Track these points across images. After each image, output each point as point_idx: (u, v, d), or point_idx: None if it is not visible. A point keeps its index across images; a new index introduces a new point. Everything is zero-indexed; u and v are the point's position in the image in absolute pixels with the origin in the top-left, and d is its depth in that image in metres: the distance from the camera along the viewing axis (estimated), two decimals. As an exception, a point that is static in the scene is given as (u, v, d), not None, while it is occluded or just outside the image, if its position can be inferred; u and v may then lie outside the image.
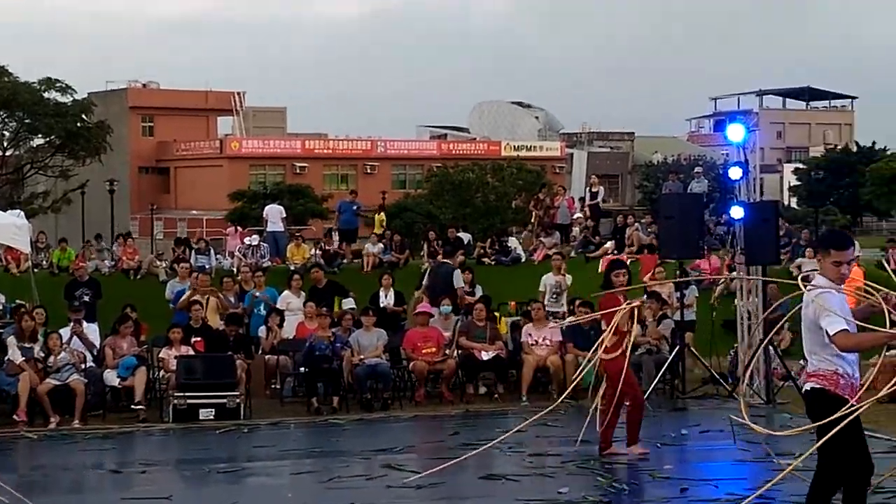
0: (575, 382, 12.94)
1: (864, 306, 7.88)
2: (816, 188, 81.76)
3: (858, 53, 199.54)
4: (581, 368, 12.55)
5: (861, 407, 7.46)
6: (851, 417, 7.39)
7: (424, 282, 20.41)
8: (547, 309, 19.06)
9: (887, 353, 16.76)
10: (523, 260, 26.35)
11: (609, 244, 26.76)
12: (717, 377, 16.92)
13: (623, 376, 11.74)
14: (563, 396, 12.22)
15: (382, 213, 34.02)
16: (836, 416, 7.38)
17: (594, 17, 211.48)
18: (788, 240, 24.61)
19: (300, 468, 12.22)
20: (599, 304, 12.68)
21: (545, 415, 12.32)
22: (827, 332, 7.44)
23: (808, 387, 7.78)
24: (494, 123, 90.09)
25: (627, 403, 12.23)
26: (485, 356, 17.17)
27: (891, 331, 7.52)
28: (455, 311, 18.78)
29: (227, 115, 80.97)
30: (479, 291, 20.50)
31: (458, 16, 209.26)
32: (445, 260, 20.78)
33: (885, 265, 16.81)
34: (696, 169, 33.59)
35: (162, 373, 16.59)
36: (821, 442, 7.42)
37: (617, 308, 11.76)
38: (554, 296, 20.04)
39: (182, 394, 15.63)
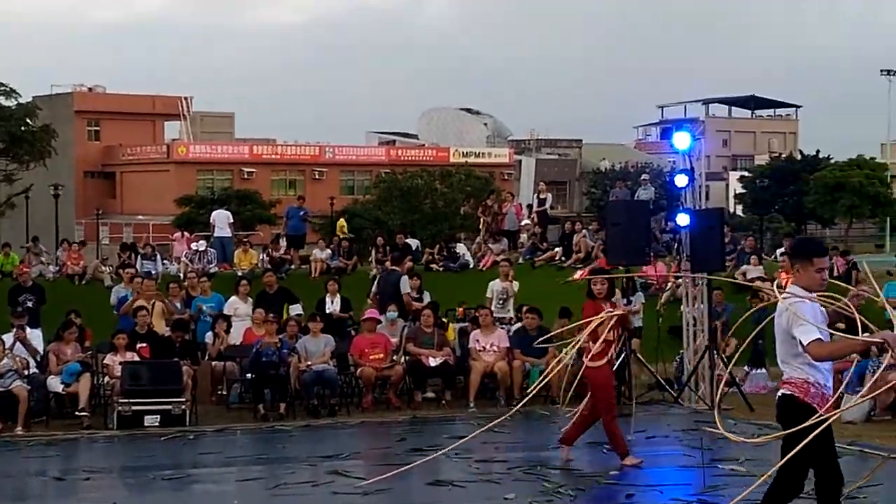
0: (538, 387, 12.70)
1: (832, 311, 7.93)
2: (761, 196, 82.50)
3: (802, 63, 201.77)
4: (544, 377, 12.30)
5: (830, 417, 7.47)
6: (822, 427, 7.40)
7: (373, 288, 20.42)
8: (494, 315, 19.10)
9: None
10: (471, 266, 26.41)
11: (556, 250, 26.90)
12: (663, 383, 17.05)
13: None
14: (521, 403, 12.30)
15: (343, 219, 34.01)
16: (803, 425, 7.38)
17: (542, 25, 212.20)
18: (734, 247, 24.85)
19: (246, 475, 12.16)
20: (582, 312, 12.40)
21: (505, 419, 12.42)
22: (801, 341, 7.43)
23: (779, 393, 7.82)
24: (443, 130, 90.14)
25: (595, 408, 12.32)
26: (432, 362, 17.19)
27: (863, 338, 7.54)
28: (403, 317, 18.80)
29: (175, 119, 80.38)
30: (426, 297, 20.52)
31: (404, 22, 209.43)
32: (394, 267, 20.78)
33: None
34: (643, 176, 33.86)
35: (107, 379, 16.44)
36: (796, 450, 7.41)
37: (596, 317, 11.76)
38: (501, 302, 20.09)
39: (127, 400, 15.50)
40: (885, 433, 13.70)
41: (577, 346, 11.84)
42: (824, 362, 7.62)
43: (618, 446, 12.10)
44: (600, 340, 11.54)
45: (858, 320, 7.79)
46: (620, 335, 12.43)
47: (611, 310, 11.93)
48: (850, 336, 7.67)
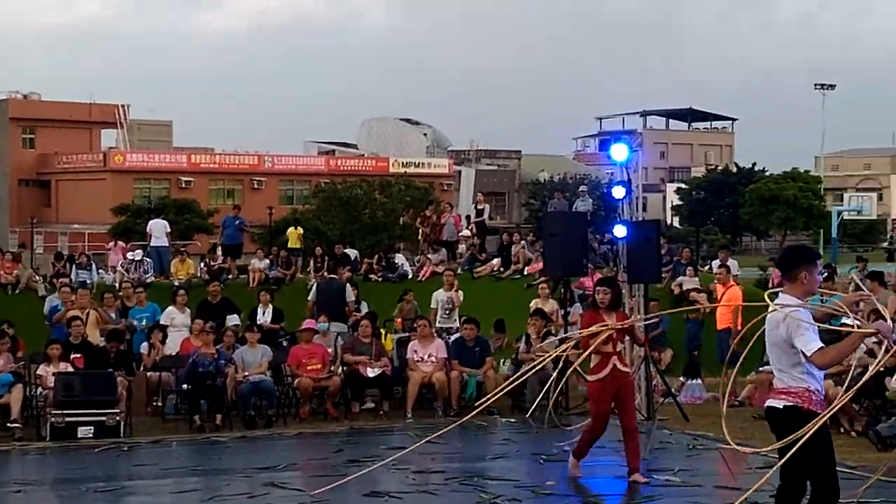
0: (492, 399, 12.37)
1: (820, 314, 7.91)
2: (698, 208, 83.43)
3: (738, 76, 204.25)
4: (503, 388, 11.96)
5: (821, 418, 7.53)
6: (809, 435, 7.46)
7: (311, 298, 20.35)
8: (438, 325, 19.16)
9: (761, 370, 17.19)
10: (410, 276, 26.41)
11: (495, 261, 26.99)
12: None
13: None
14: (486, 403, 12.10)
15: (299, 228, 33.80)
16: (804, 431, 7.44)
17: (481, 36, 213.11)
18: (670, 258, 25.05)
19: (182, 487, 12.04)
20: (583, 323, 12.17)
21: (478, 427, 12.35)
22: (804, 352, 7.47)
23: (778, 404, 7.75)
24: (383, 140, 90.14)
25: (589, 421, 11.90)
26: (370, 373, 17.15)
27: (860, 330, 7.62)
28: (348, 325, 18.74)
29: (111, 127, 79.65)
30: (364, 307, 20.50)
31: (344, 31, 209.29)
32: (332, 276, 20.75)
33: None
34: (582, 188, 34.08)
35: (39, 390, 16.22)
36: (803, 453, 7.48)
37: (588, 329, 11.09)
38: (446, 312, 20.11)
39: (60, 411, 15.31)
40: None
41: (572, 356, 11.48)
42: (828, 368, 7.72)
43: (580, 448, 11.81)
44: (589, 351, 10.86)
45: (854, 318, 7.89)
46: (616, 348, 11.37)
47: (604, 323, 11.04)
48: (848, 328, 7.76)
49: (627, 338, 12.16)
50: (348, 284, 20.84)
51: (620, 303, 12.08)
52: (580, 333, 11.32)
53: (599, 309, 11.45)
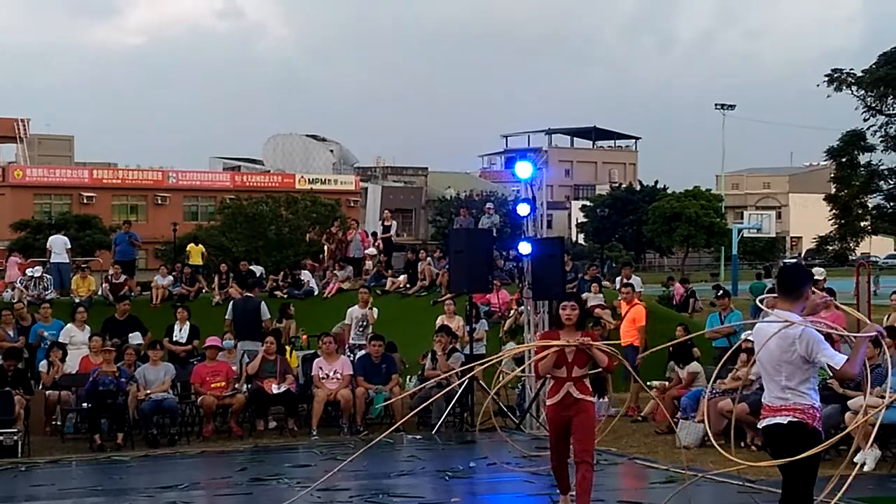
0: (406, 418, 12.56)
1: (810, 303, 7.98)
2: (602, 225, 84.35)
3: (640, 96, 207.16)
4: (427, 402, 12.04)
5: (829, 442, 7.71)
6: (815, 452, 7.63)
7: (228, 316, 20.15)
8: (352, 342, 19.09)
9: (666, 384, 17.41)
10: (316, 293, 26.29)
11: (401, 278, 26.98)
12: (506, 410, 17.20)
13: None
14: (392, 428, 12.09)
15: (200, 244, 33.41)
16: (817, 449, 7.58)
17: (387, 54, 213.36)
18: (574, 275, 25.26)
19: (81, 507, 11.82)
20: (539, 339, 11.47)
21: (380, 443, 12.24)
22: (831, 367, 7.55)
23: (782, 420, 7.73)
24: (289, 156, 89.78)
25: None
26: (275, 389, 16.99)
27: (863, 335, 7.69)
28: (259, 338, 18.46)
29: (11, 142, 78.23)
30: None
31: (246, 47, 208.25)
32: (248, 293, 20.53)
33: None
34: (488, 205, 34.22)
35: (-66, 410, 15.82)
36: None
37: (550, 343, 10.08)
38: (360, 329, 20.04)
39: (-45, 431, 14.94)
40: (719, 457, 14.03)
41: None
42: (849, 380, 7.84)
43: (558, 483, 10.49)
44: (519, 367, 10.58)
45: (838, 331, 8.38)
46: (589, 371, 10.19)
47: (552, 341, 10.05)
48: (854, 334, 7.85)
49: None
50: (262, 303, 20.68)
51: (586, 322, 10.59)
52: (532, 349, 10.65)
53: (563, 328, 10.11)
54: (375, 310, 20.64)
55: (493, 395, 17.00)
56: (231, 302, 21.00)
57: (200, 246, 32.87)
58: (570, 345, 9.90)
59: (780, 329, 7.67)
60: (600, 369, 10.29)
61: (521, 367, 11.20)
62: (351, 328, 19.89)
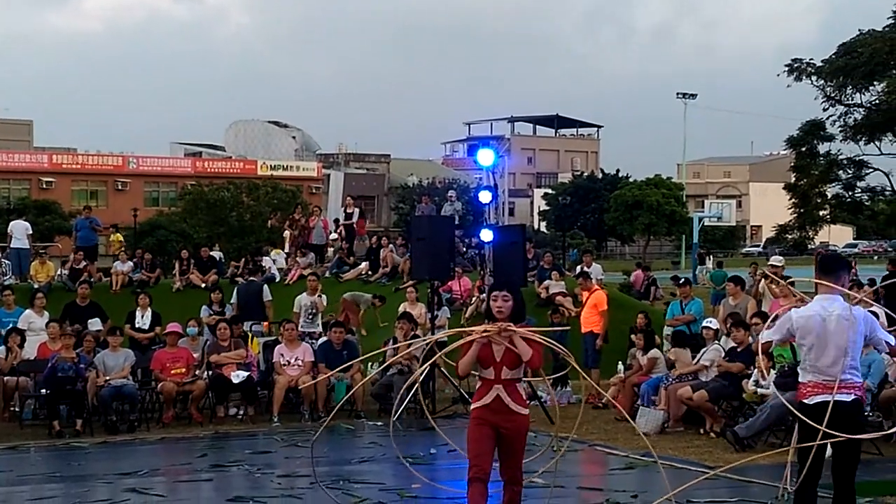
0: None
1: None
2: (564, 213, 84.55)
3: (601, 85, 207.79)
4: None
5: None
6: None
7: (233, 300, 20.94)
8: (302, 329, 19.01)
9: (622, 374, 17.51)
10: (277, 279, 26.22)
11: (363, 265, 26.95)
12: (466, 397, 17.21)
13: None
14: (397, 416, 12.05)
15: (118, 234, 33.21)
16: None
17: (349, 40, 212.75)
18: (536, 262, 25.32)
19: (40, 494, 11.75)
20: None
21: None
22: (889, 342, 8.37)
23: (846, 398, 8.14)
24: (251, 142, 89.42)
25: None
26: (235, 379, 16.90)
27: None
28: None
29: (-32, 126, 77.48)
30: (229, 311, 20.31)
31: (206, 33, 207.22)
32: (251, 278, 20.95)
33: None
34: (450, 192, 34.18)
35: None
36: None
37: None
38: (310, 316, 20.00)
39: (-88, 418, 14.81)
40: (678, 444, 14.17)
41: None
42: None
43: None
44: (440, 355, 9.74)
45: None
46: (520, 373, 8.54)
47: (470, 328, 8.87)
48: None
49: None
50: (265, 285, 21.48)
51: (524, 315, 8.72)
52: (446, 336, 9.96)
53: (498, 320, 8.42)
54: (324, 297, 20.58)
55: (454, 383, 17.09)
56: (235, 287, 22.07)
57: (119, 235, 32.87)
58: (487, 332, 8.30)
59: (832, 310, 8.17)
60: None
61: (424, 367, 10.09)
62: (300, 316, 19.83)
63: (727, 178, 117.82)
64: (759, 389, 14.20)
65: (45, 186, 71.47)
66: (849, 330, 8.11)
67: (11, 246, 26.86)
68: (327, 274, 26.27)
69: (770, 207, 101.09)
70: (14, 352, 17.38)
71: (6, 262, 25.45)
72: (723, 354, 15.36)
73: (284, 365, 17.09)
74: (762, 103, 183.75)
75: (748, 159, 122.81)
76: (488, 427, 8.45)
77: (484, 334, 8.35)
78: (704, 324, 16.47)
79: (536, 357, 8.37)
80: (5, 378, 17.11)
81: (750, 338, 15.16)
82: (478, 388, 8.57)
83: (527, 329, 8.46)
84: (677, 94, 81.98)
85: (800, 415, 8.17)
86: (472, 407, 8.57)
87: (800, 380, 8.41)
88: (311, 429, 15.45)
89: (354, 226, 29.34)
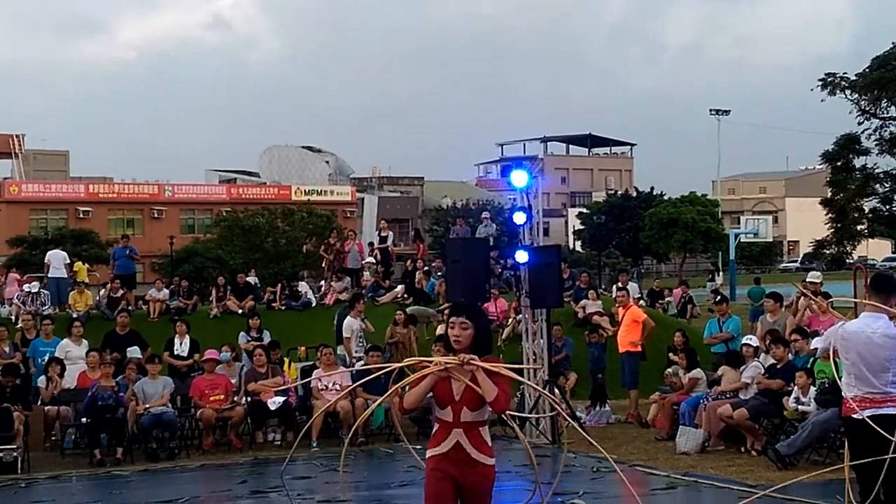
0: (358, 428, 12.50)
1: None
2: (599, 232, 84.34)
3: (633, 103, 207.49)
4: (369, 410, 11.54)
5: None
6: None
7: (335, 323, 20.95)
8: (356, 354, 19.05)
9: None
10: (314, 304, 26.27)
11: (399, 288, 26.95)
12: (505, 418, 17.15)
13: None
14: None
15: (83, 263, 33.37)
16: None
17: (381, 64, 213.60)
18: (572, 282, 25.26)
19: (81, 523, 11.81)
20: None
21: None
22: None
23: (892, 411, 8.38)
24: (285, 168, 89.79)
25: None
26: (272, 405, 16.91)
27: None
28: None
29: (6, 158, 78.17)
30: (267, 336, 20.35)
31: (238, 60, 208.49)
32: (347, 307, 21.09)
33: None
34: (484, 213, 34.21)
35: (-67, 427, 15.79)
36: None
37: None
38: (360, 340, 19.97)
39: (-45, 449, 14.91)
40: (719, 463, 14.06)
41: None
42: None
43: None
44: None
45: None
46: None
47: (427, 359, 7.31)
48: None
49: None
50: (350, 317, 20.71)
51: (489, 346, 7.29)
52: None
53: (456, 351, 7.12)
54: (367, 322, 20.59)
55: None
56: (337, 313, 21.85)
57: (85, 265, 32.84)
58: (448, 362, 6.97)
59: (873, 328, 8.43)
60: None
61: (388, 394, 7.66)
62: (352, 341, 19.81)
63: (763, 194, 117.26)
64: (799, 406, 14.07)
65: (81, 216, 72.04)
66: (893, 348, 8.42)
67: (50, 276, 27.05)
68: (364, 300, 26.26)
69: (807, 222, 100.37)
70: (54, 381, 17.48)
71: (45, 292, 25.62)
72: (762, 371, 15.24)
73: (322, 389, 17.10)
74: (796, 118, 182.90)
75: (784, 174, 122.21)
76: (447, 480, 7.04)
77: (443, 366, 6.99)
78: (744, 341, 16.34)
79: (502, 398, 6.90)
80: (46, 408, 17.20)
81: (790, 354, 15.04)
82: (434, 431, 7.16)
83: (494, 363, 7.03)
84: (710, 110, 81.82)
85: (880, 429, 8.29)
86: (428, 454, 7.12)
87: (844, 395, 8.60)
88: (350, 453, 15.43)
89: (389, 249, 29.38)
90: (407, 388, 7.24)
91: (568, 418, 10.12)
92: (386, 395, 8.22)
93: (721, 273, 60.38)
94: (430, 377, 7.01)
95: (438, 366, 6.98)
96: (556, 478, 10.53)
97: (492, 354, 7.31)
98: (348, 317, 20.36)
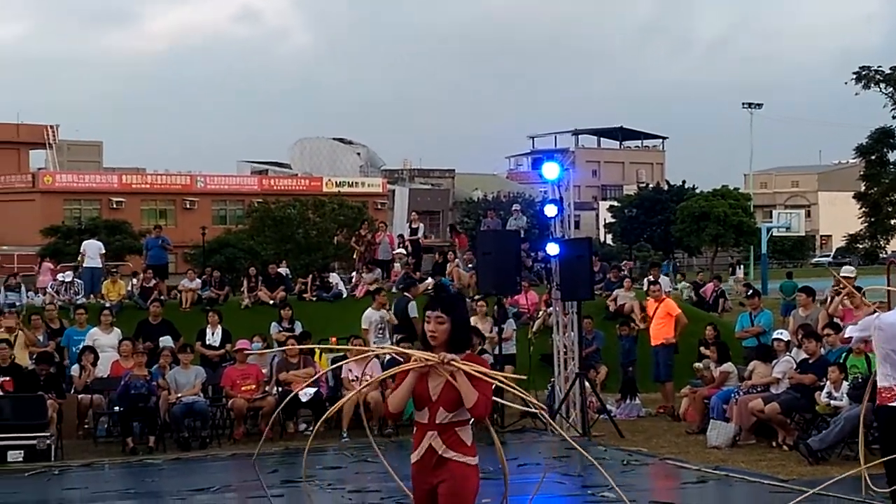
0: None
1: None
2: (630, 225, 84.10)
3: (665, 97, 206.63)
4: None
5: None
6: None
7: (392, 313, 20.81)
8: (374, 345, 19.08)
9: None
10: (345, 296, 26.33)
11: (429, 280, 26.96)
12: (535, 410, 17.16)
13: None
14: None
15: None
16: None
17: (412, 56, 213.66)
18: (603, 275, 25.20)
19: (114, 510, 11.90)
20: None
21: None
22: None
23: None
24: (316, 159, 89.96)
25: None
26: (303, 397, 16.98)
27: None
28: (412, 339, 18.47)
29: (40, 148, 78.74)
30: (298, 327, 20.41)
31: (268, 52, 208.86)
32: (405, 293, 21.11)
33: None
34: (515, 206, 34.17)
35: (-32, 414, 15.95)
36: None
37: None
38: (380, 332, 20.03)
39: (-11, 435, 15.06)
40: (750, 457, 14.02)
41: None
42: None
43: None
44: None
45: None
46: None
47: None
48: None
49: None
50: (412, 301, 21.15)
51: (469, 341, 6.95)
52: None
53: (433, 347, 6.66)
54: (390, 312, 20.64)
55: (523, 396, 17.03)
56: (394, 302, 21.71)
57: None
58: (427, 358, 6.52)
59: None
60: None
61: (370, 383, 7.04)
62: (370, 332, 19.87)
63: (795, 188, 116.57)
64: (832, 401, 14.01)
65: (115, 206, 72.45)
66: None
67: (85, 265, 27.21)
68: (394, 289, 26.31)
69: (840, 217, 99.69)
70: (88, 370, 17.62)
71: (79, 281, 25.79)
72: (794, 366, 15.17)
73: (353, 380, 17.15)
74: (829, 111, 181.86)
75: (816, 168, 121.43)
76: (424, 493, 6.68)
77: (422, 362, 6.51)
78: (776, 335, 16.28)
79: (481, 403, 6.45)
80: (79, 396, 17.34)
81: (822, 349, 14.97)
82: (414, 435, 6.77)
83: (474, 364, 6.53)
84: (743, 103, 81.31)
85: None
86: (411, 461, 6.78)
87: (880, 384, 8.67)
88: (381, 444, 15.47)
89: (420, 241, 29.42)
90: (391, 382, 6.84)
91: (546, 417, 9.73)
92: (363, 385, 8.10)
93: (742, 267, 60.13)
94: (412, 375, 6.55)
95: (418, 361, 6.51)
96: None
97: (473, 352, 6.89)
98: (369, 308, 20.42)
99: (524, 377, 9.10)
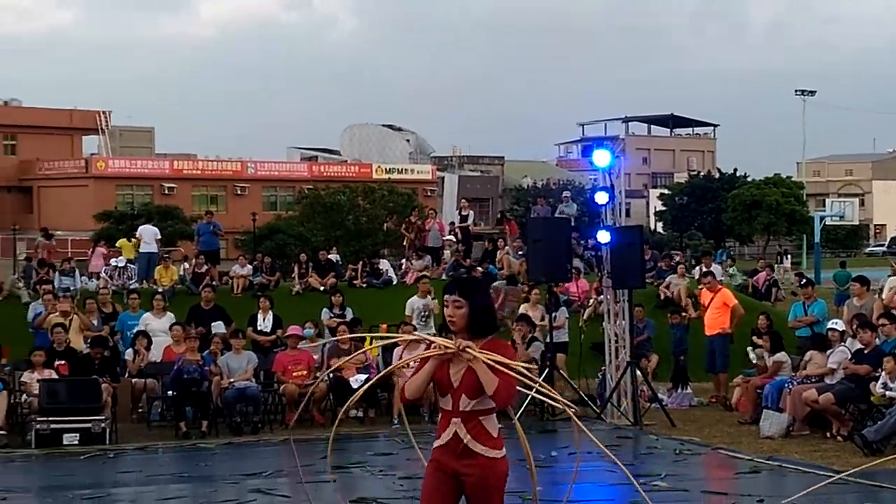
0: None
1: None
2: (681, 213, 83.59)
3: (716, 83, 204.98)
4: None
5: None
6: None
7: None
8: (417, 333, 19.09)
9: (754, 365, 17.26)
10: (395, 282, 26.38)
11: (480, 268, 26.95)
12: (586, 399, 17.15)
13: None
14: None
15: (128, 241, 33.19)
16: None
17: (463, 42, 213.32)
18: (654, 263, 25.07)
19: (167, 494, 12.01)
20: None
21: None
22: None
23: None
24: (365, 146, 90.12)
25: None
26: (354, 383, 17.03)
27: None
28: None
29: (93, 134, 79.42)
30: (349, 314, 20.47)
31: (318, 38, 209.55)
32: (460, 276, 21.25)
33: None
34: (565, 193, 34.04)
35: (24, 397, 16.17)
36: None
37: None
38: (423, 319, 20.06)
39: (45, 418, 15.25)
40: (803, 448, 13.91)
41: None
42: None
43: None
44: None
45: None
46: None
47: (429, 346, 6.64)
48: None
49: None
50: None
51: (494, 326, 6.66)
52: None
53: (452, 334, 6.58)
54: (436, 300, 20.64)
55: (573, 385, 17.01)
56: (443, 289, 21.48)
57: (132, 241, 31.16)
58: (446, 345, 6.37)
59: None
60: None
61: (367, 382, 6.89)
62: (413, 319, 19.89)
63: (849, 177, 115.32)
64: (887, 392, 13.86)
65: (166, 192, 73.00)
66: None
67: (140, 250, 27.41)
68: (444, 276, 26.33)
69: (894, 206, 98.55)
70: (141, 354, 17.79)
71: (131, 266, 26.00)
72: (849, 356, 15.02)
73: (404, 367, 17.13)
74: (884, 99, 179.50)
75: (871, 156, 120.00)
76: (446, 475, 6.46)
77: (442, 349, 6.37)
78: (830, 325, 16.13)
79: (503, 390, 6.29)
80: (133, 380, 17.51)
81: (877, 339, 14.81)
82: (439, 420, 6.62)
83: (493, 354, 6.31)
84: (796, 90, 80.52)
85: None
86: (434, 446, 6.56)
87: None
88: (432, 430, 15.50)
89: (469, 228, 29.40)
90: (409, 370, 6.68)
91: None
92: (380, 374, 8.03)
93: (789, 256, 59.52)
94: (432, 362, 6.41)
95: (438, 349, 6.36)
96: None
97: (500, 337, 6.67)
98: (414, 296, 20.44)
99: (535, 366, 8.68)
